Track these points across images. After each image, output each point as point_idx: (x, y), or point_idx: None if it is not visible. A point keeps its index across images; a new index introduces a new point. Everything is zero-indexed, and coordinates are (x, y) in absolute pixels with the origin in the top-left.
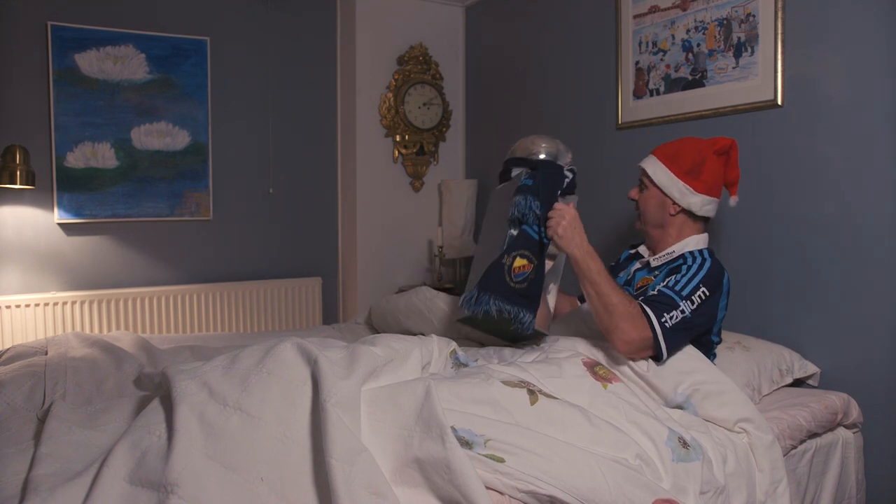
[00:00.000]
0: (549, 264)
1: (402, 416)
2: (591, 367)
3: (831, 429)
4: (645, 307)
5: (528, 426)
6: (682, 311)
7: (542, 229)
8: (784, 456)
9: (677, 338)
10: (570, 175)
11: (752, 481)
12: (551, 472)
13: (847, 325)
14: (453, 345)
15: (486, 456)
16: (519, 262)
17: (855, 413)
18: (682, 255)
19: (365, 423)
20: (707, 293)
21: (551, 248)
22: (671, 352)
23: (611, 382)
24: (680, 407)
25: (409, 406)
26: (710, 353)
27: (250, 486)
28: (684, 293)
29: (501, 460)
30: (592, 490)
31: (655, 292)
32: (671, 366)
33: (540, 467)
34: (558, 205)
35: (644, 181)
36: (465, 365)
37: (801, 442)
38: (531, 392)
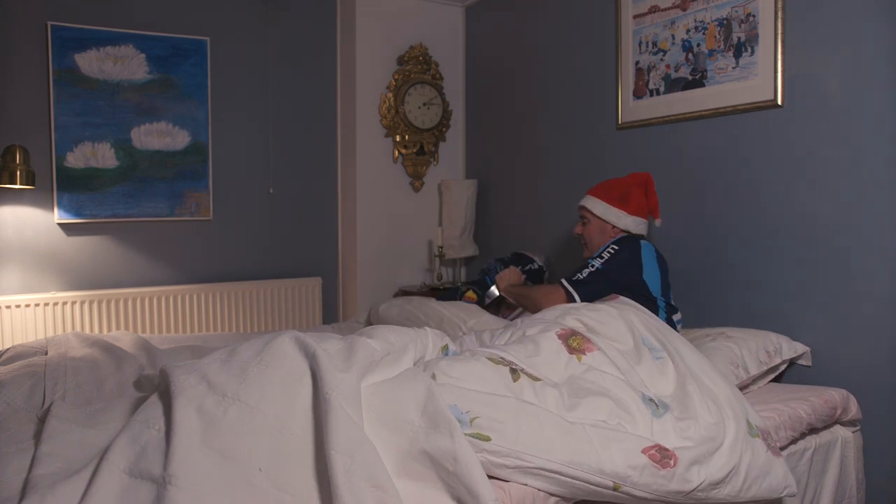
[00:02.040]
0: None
1: (403, 412)
2: (566, 339)
3: (830, 424)
4: (560, 280)
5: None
6: (593, 266)
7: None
8: (784, 450)
9: (590, 287)
10: (536, 266)
11: (729, 416)
12: (537, 444)
13: (847, 325)
14: (447, 340)
15: (472, 436)
16: (469, 294)
17: (854, 409)
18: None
19: (364, 417)
20: (616, 248)
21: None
22: (585, 296)
23: (585, 354)
24: (644, 340)
25: (410, 402)
26: (657, 314)
27: (249, 475)
28: (595, 255)
29: (487, 439)
30: (578, 453)
31: (588, 266)
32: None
33: (525, 441)
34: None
35: (585, 216)
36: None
37: (802, 435)
38: (514, 371)
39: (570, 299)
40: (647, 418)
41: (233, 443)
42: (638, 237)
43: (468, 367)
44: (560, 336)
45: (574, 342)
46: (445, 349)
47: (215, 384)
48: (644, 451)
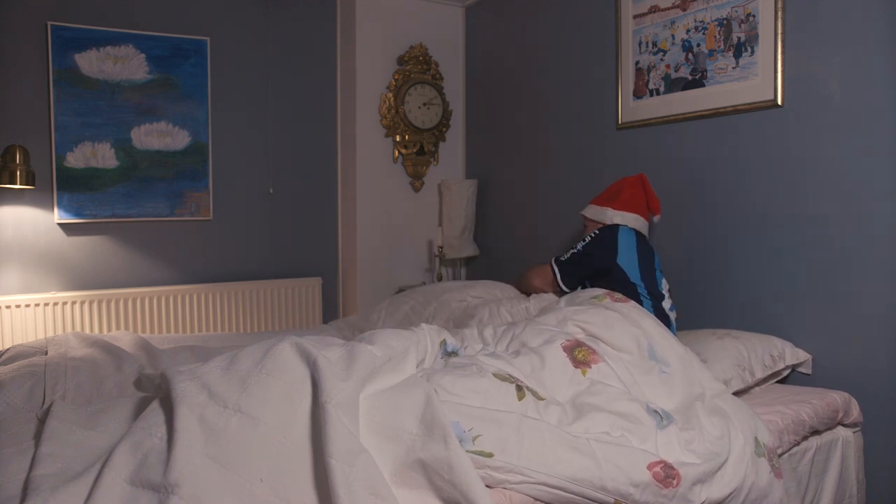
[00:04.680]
0: None
1: (401, 420)
2: (571, 350)
3: (832, 427)
4: (552, 259)
5: (513, 412)
6: (575, 248)
7: None
8: (786, 454)
9: (570, 268)
10: None
11: (737, 431)
12: (540, 459)
13: (847, 324)
14: (444, 334)
15: (474, 453)
16: None
17: (855, 412)
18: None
19: (364, 425)
20: (597, 232)
21: None
22: (567, 278)
23: (590, 367)
24: (651, 353)
25: (409, 411)
26: (639, 300)
27: (250, 486)
28: (581, 241)
29: (490, 455)
30: (582, 470)
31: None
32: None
33: (528, 457)
34: None
35: (584, 223)
36: (455, 352)
37: (804, 438)
38: (519, 388)
39: (555, 277)
40: (652, 429)
41: (234, 453)
42: (620, 225)
43: (472, 384)
44: (565, 348)
45: (579, 354)
46: (443, 344)
47: (216, 394)
48: (649, 468)
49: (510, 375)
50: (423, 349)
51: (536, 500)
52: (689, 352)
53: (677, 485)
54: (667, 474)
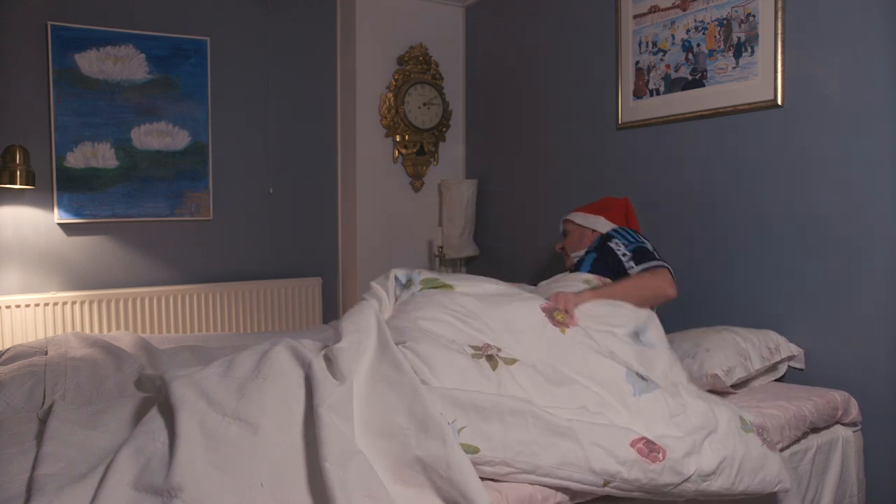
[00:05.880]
0: None
1: (392, 417)
2: (550, 312)
3: (831, 424)
4: (655, 264)
5: (493, 394)
6: (639, 243)
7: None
8: (787, 451)
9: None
10: None
11: (721, 407)
12: (526, 449)
13: (847, 324)
14: (392, 273)
15: (461, 446)
16: None
17: (854, 412)
18: (602, 235)
19: (357, 424)
20: (622, 229)
21: None
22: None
23: (568, 327)
24: (638, 335)
25: (397, 406)
26: None
27: (250, 490)
28: (619, 245)
29: (476, 450)
30: (567, 454)
31: (629, 253)
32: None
33: (514, 447)
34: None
35: (566, 229)
36: (410, 281)
37: (804, 434)
38: (490, 358)
39: (671, 274)
40: (629, 401)
41: (234, 459)
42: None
43: (447, 359)
44: (545, 309)
45: (559, 316)
46: (396, 280)
47: (215, 401)
48: (632, 444)
49: (482, 344)
50: (382, 306)
51: (531, 485)
52: (671, 350)
53: (663, 458)
54: (650, 449)
